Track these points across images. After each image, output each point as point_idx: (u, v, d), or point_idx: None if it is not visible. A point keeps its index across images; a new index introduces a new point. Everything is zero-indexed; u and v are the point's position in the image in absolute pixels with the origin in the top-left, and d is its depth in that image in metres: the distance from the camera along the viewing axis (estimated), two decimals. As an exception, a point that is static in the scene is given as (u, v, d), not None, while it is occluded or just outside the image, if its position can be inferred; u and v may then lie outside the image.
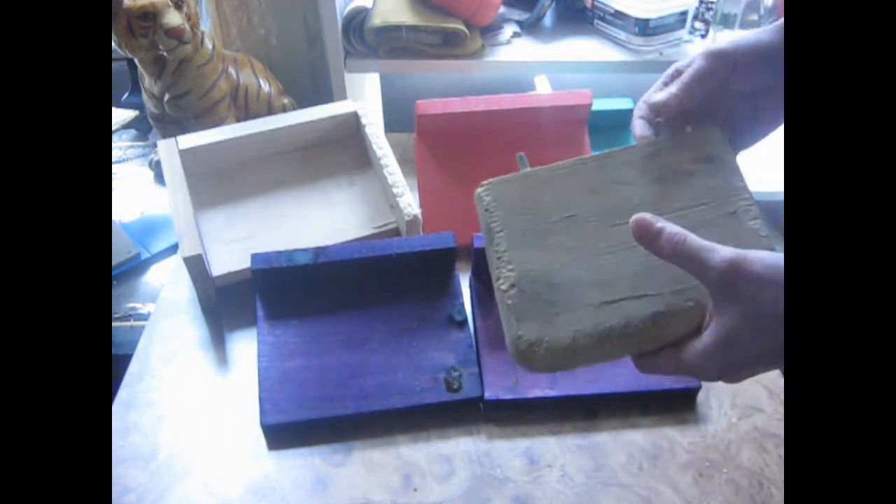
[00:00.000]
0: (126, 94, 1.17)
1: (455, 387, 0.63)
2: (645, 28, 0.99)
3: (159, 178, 1.01)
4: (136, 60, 0.91)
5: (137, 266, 0.88)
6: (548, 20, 1.11)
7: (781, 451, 0.60)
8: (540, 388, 0.63)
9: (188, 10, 0.86)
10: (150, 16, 0.82)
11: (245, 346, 0.69)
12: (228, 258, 0.73)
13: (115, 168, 1.04)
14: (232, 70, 0.97)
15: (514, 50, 1.03)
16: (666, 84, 0.47)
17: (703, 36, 1.06)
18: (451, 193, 0.80)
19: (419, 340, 0.66)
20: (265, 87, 1.01)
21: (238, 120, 0.97)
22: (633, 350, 0.41)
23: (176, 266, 0.78)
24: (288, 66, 1.11)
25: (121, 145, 1.09)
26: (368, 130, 0.81)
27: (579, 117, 0.82)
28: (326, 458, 0.60)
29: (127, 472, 0.59)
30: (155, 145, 1.06)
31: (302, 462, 0.60)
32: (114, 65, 1.16)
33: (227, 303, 0.72)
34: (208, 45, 0.92)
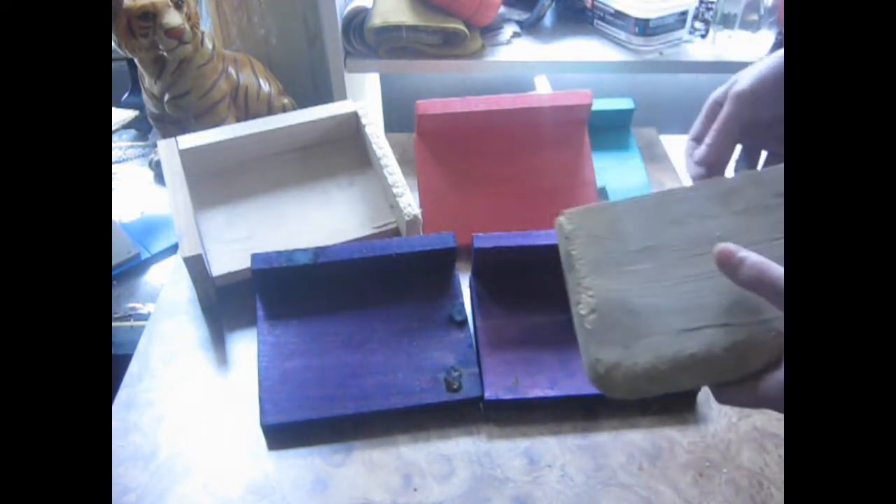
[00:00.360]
0: (126, 94, 1.17)
1: (455, 387, 0.63)
2: (645, 28, 0.99)
3: (159, 178, 1.01)
4: (136, 60, 0.91)
5: (137, 266, 0.88)
6: (548, 20, 1.11)
7: (781, 451, 0.60)
8: (540, 388, 0.63)
9: (188, 10, 0.86)
10: (150, 16, 0.82)
11: (245, 346, 0.69)
12: (228, 258, 0.73)
13: (115, 168, 1.04)
14: (232, 70, 0.97)
15: (514, 50, 1.03)
16: (708, 117, 0.52)
17: (703, 36, 1.06)
18: (451, 193, 0.80)
19: (419, 340, 0.66)
20: (265, 87, 1.01)
21: (238, 120, 0.97)
22: (712, 379, 0.41)
23: (176, 266, 0.78)
24: (288, 66, 1.12)
25: (121, 145, 1.09)
26: (368, 130, 0.81)
27: (579, 117, 0.82)
28: (326, 458, 0.60)
29: (127, 472, 0.59)
30: (155, 145, 1.06)
31: (302, 462, 0.60)
32: (114, 65, 1.16)
33: (227, 303, 0.72)
34: (208, 45, 0.92)
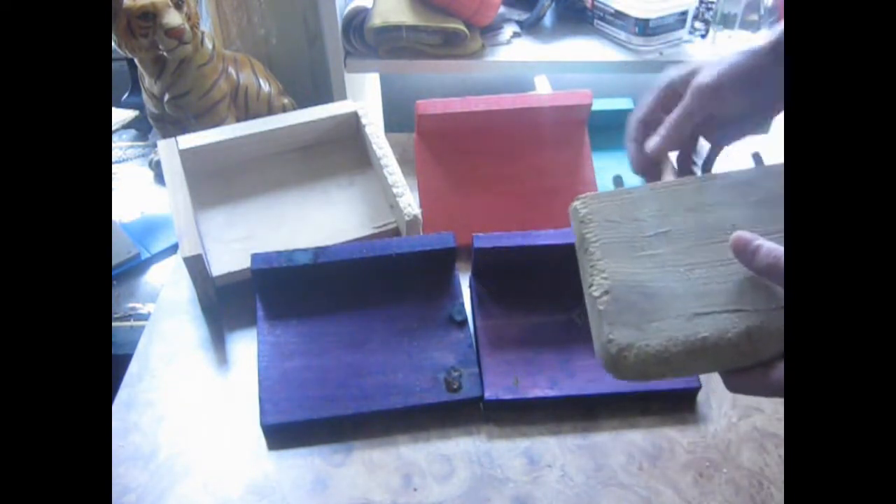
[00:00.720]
0: (126, 94, 1.17)
1: (455, 387, 0.63)
2: (645, 28, 0.99)
3: (159, 178, 1.01)
4: (136, 60, 0.91)
5: (137, 266, 0.88)
6: (548, 20, 1.11)
7: (781, 451, 0.60)
8: (540, 388, 0.63)
9: (188, 10, 0.86)
10: (150, 16, 0.82)
11: (245, 346, 0.69)
12: (228, 258, 0.73)
13: (115, 168, 1.04)
14: (232, 70, 0.97)
15: (514, 50, 1.03)
16: (660, 101, 0.51)
17: (703, 36, 1.06)
18: (451, 193, 0.80)
19: (419, 340, 0.66)
20: (265, 87, 1.01)
21: (238, 120, 0.97)
22: (724, 365, 0.40)
23: (176, 266, 0.78)
24: (288, 66, 1.12)
25: (121, 145, 1.09)
26: (368, 130, 0.81)
27: (579, 117, 0.82)
28: (326, 458, 0.60)
29: (127, 472, 0.59)
30: (155, 145, 1.06)
31: (302, 462, 0.60)
32: (114, 65, 1.16)
33: (227, 303, 0.72)
34: (208, 45, 0.92)
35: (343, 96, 1.02)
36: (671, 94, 0.51)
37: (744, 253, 0.39)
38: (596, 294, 0.42)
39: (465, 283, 0.71)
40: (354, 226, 0.77)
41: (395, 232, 0.78)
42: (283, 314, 0.68)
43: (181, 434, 0.62)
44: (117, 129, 1.12)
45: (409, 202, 0.74)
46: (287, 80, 1.08)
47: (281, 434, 0.61)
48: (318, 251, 0.68)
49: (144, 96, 0.96)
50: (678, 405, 0.64)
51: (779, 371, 0.38)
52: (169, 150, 0.77)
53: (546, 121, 0.81)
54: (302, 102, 0.99)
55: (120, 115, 1.13)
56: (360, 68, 1.03)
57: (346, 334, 0.67)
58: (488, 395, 0.62)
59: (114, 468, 0.59)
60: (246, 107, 0.99)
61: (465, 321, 0.68)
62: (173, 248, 0.89)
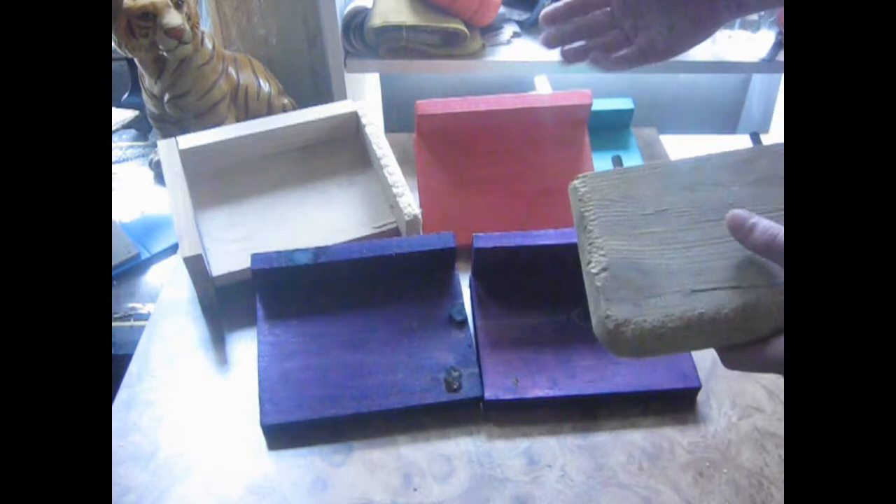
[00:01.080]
0: (126, 94, 1.17)
1: (455, 387, 0.63)
2: (645, 28, 0.98)
3: (159, 178, 1.01)
4: (136, 60, 0.91)
5: (137, 266, 0.88)
6: (548, 20, 1.11)
7: (781, 451, 0.60)
8: (540, 388, 0.63)
9: (188, 10, 0.86)
10: (150, 16, 0.82)
11: (245, 346, 0.69)
12: (228, 258, 0.73)
13: (115, 168, 1.04)
14: (232, 70, 0.97)
15: (514, 50, 1.03)
16: None
17: (703, 36, 1.06)
18: (451, 193, 0.80)
19: (419, 340, 0.66)
20: (265, 87, 1.01)
21: (238, 120, 0.97)
22: (721, 342, 0.41)
23: (176, 266, 0.78)
24: (288, 66, 1.12)
25: (121, 145, 1.09)
26: (368, 130, 0.81)
27: (579, 117, 0.82)
28: (326, 458, 0.60)
29: (127, 472, 0.59)
30: (155, 145, 1.06)
31: (302, 462, 0.60)
32: (114, 65, 1.16)
33: (227, 303, 0.72)
34: (208, 45, 0.92)
35: (343, 96, 1.02)
36: None
37: (739, 231, 0.39)
38: (594, 271, 0.43)
39: (465, 283, 0.71)
40: (354, 226, 0.77)
41: (395, 232, 0.78)
42: (283, 314, 0.68)
43: (181, 434, 0.62)
44: (117, 129, 1.12)
45: (409, 202, 0.74)
46: (287, 80, 1.08)
47: (281, 434, 0.61)
48: (318, 251, 0.68)
49: (144, 96, 0.96)
50: (678, 405, 0.64)
51: (774, 347, 0.38)
52: (169, 150, 0.77)
53: (546, 121, 0.81)
54: (302, 102, 0.99)
55: (120, 115, 1.13)
56: (360, 68, 1.03)
57: (346, 334, 0.67)
58: (488, 395, 0.62)
59: (114, 468, 0.59)
60: (246, 107, 0.99)
61: (464, 321, 0.68)
62: (173, 248, 0.89)
